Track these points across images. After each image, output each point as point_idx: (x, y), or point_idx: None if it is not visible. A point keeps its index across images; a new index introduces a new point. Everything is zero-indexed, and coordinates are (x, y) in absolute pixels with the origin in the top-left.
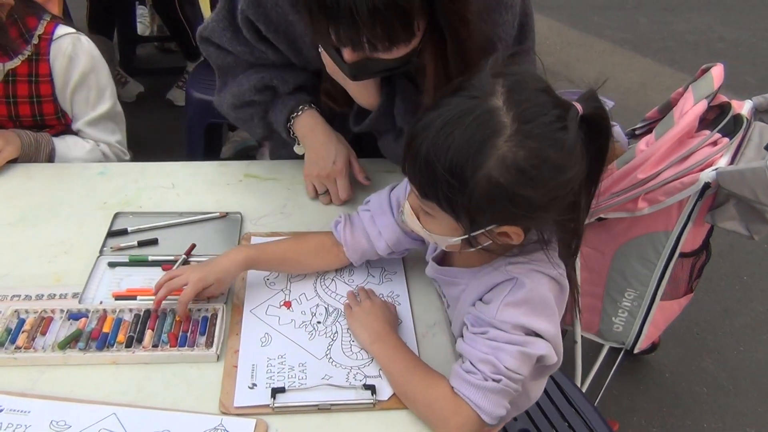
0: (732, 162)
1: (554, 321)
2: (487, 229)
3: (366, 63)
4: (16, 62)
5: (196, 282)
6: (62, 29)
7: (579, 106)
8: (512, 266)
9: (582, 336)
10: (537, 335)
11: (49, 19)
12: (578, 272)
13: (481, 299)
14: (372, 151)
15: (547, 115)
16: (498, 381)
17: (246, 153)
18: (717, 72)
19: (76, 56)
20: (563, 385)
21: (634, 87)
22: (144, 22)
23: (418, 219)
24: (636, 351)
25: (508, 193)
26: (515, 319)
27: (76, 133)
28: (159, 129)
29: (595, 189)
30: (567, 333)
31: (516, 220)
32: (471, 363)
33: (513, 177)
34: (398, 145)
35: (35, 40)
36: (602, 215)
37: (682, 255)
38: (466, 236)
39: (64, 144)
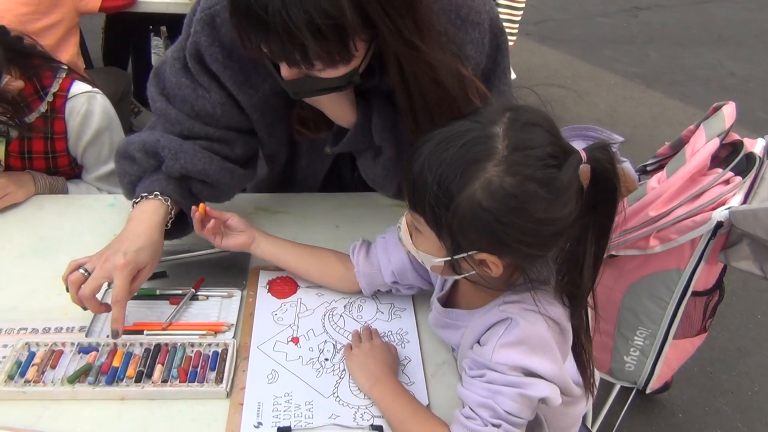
0: (745, 201)
1: (555, 361)
2: (468, 254)
3: (305, 80)
4: (31, 119)
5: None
6: (78, 87)
7: (584, 154)
8: (506, 305)
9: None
10: (537, 376)
11: (64, 75)
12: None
13: (478, 342)
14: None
15: (540, 150)
16: (498, 426)
17: None
18: (729, 111)
19: (91, 114)
20: None
21: (645, 121)
22: (158, 53)
23: (411, 237)
24: (648, 391)
25: (489, 219)
26: (512, 361)
27: None
28: None
29: (604, 242)
30: None
31: (495, 249)
32: (470, 408)
33: (496, 202)
34: (377, 164)
35: (50, 98)
36: (613, 252)
37: (695, 294)
38: (449, 258)
39: (77, 189)
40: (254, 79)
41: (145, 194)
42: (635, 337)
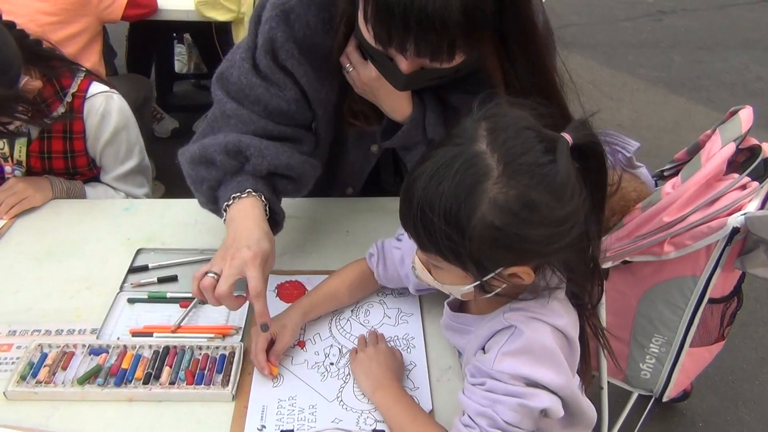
0: (763, 206)
1: (561, 371)
2: (496, 272)
3: (421, 73)
4: (51, 119)
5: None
6: (96, 87)
7: (568, 137)
8: (511, 313)
9: (610, 382)
10: (540, 386)
11: (83, 77)
12: (604, 316)
13: (482, 348)
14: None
15: (532, 151)
16: None
17: None
18: (745, 115)
19: (108, 114)
20: None
21: (668, 126)
22: (182, 60)
23: (430, 272)
24: (665, 399)
25: (507, 235)
26: (514, 370)
27: None
28: None
29: (602, 218)
30: (593, 379)
31: (523, 260)
32: (469, 416)
33: (508, 218)
34: None
35: (69, 98)
36: (628, 258)
37: (712, 301)
38: (478, 282)
39: (94, 192)
40: (323, 74)
41: (237, 194)
42: (651, 345)
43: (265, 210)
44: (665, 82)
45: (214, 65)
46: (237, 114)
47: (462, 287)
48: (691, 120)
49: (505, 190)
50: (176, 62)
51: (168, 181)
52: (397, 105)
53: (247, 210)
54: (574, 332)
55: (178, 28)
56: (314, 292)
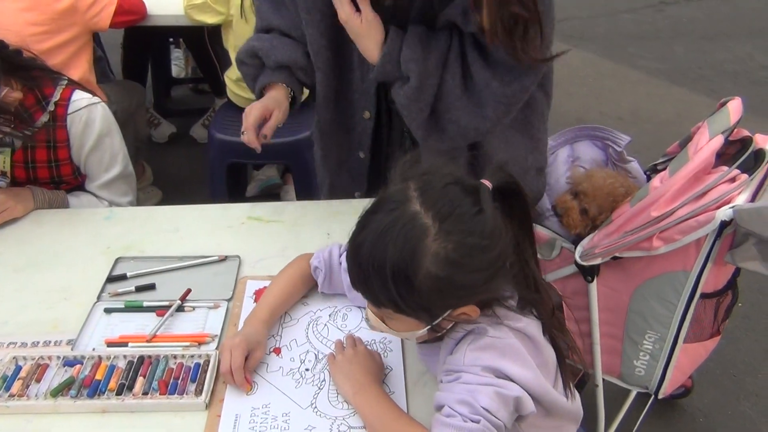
0: (753, 199)
1: (527, 367)
2: (445, 315)
3: None
4: (34, 128)
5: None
6: (78, 95)
7: (488, 183)
8: (472, 320)
9: (607, 380)
10: (509, 379)
11: (65, 85)
12: (595, 314)
13: (451, 353)
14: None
15: (462, 205)
16: (477, 422)
17: (271, 191)
18: (734, 106)
19: (92, 122)
20: None
21: (670, 118)
22: (179, 64)
23: (384, 322)
24: (661, 396)
25: (451, 283)
26: (484, 362)
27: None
28: (190, 168)
29: (533, 242)
30: (589, 377)
31: (468, 301)
32: (449, 407)
33: (450, 268)
34: (404, 92)
35: (52, 107)
36: (617, 254)
37: (704, 296)
38: (430, 326)
39: (78, 202)
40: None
41: (264, 85)
42: (644, 341)
43: (290, 92)
44: (666, 74)
45: (208, 69)
46: (259, 10)
47: (415, 332)
48: (692, 111)
49: (444, 245)
50: (174, 67)
51: (165, 187)
52: (366, 48)
53: (273, 92)
54: (536, 332)
55: (173, 33)
56: (269, 299)
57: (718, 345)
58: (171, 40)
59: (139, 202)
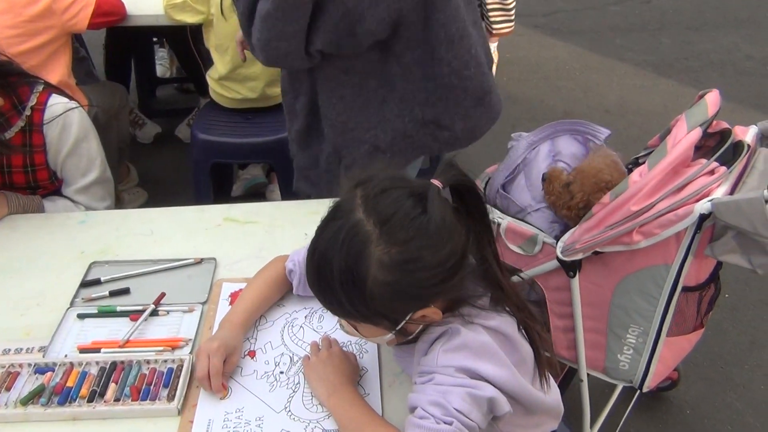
0: (732, 191)
1: (502, 365)
2: (406, 319)
3: None
4: (10, 134)
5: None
6: (55, 99)
7: (438, 182)
8: (447, 321)
9: (591, 374)
10: (483, 379)
11: (41, 89)
12: (577, 309)
13: (425, 354)
14: None
15: (402, 208)
16: (450, 423)
17: (256, 190)
18: (712, 98)
19: (69, 126)
20: None
21: (657, 110)
22: (164, 64)
23: (356, 328)
24: (645, 390)
25: (401, 287)
26: (457, 363)
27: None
28: (176, 168)
29: (491, 239)
30: (573, 371)
31: (425, 303)
32: (422, 408)
33: (397, 273)
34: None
35: (28, 112)
36: (598, 249)
37: (687, 289)
38: (395, 331)
39: (53, 207)
40: None
41: None
42: (628, 335)
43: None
44: (653, 65)
45: (192, 68)
46: None
47: (383, 337)
48: (679, 102)
49: (387, 250)
50: (158, 67)
51: (151, 188)
52: None
53: None
54: (511, 330)
55: (156, 32)
56: (245, 302)
57: (704, 337)
58: (155, 39)
59: (124, 203)
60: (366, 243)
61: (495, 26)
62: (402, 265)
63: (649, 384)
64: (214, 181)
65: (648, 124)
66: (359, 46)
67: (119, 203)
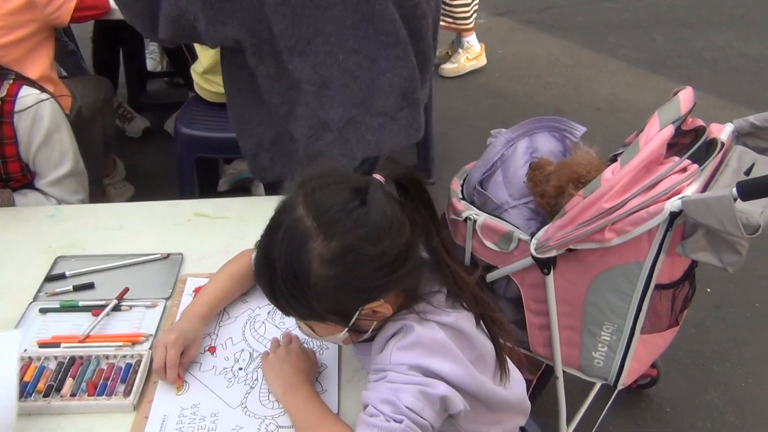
0: (705, 189)
1: (457, 362)
2: (357, 315)
3: None
4: None
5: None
6: (25, 91)
7: (380, 177)
8: (401, 317)
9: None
10: (437, 377)
11: (12, 81)
12: (552, 306)
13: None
14: None
15: (340, 201)
16: (400, 422)
17: (243, 185)
18: (685, 96)
19: (40, 117)
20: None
21: (648, 107)
22: (155, 58)
23: (311, 328)
24: (620, 387)
25: (344, 281)
26: (411, 360)
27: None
28: (164, 163)
29: (440, 233)
30: (551, 369)
31: (372, 297)
32: (373, 406)
33: (338, 267)
34: None
35: None
36: (572, 246)
37: (660, 287)
38: (347, 328)
39: (24, 200)
40: None
41: None
42: (602, 333)
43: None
44: (646, 62)
45: (180, 62)
46: None
47: (336, 335)
48: None
49: (326, 244)
50: (149, 61)
51: (138, 182)
52: None
53: None
54: (467, 326)
55: None
56: (208, 295)
57: (687, 335)
58: None
59: (110, 197)
60: (306, 239)
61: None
62: (342, 258)
63: (624, 381)
64: (201, 175)
65: (638, 121)
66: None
67: (105, 197)
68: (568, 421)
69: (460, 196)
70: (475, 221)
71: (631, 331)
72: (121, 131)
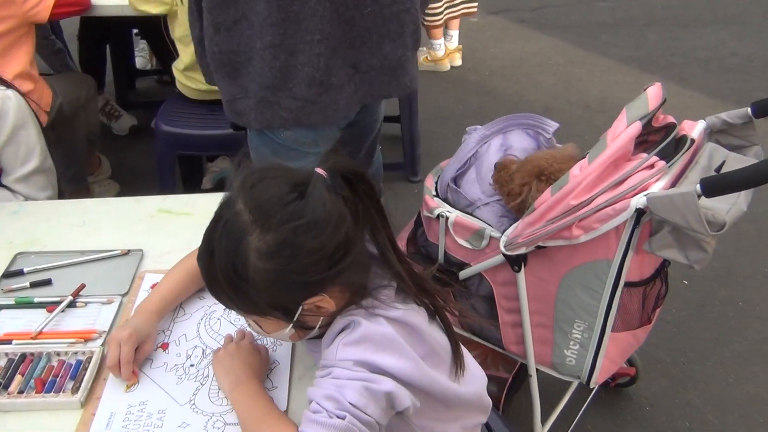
0: (674, 186)
1: (405, 357)
2: (299, 311)
3: None
4: None
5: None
6: None
7: (322, 171)
8: (350, 312)
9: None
10: (384, 373)
11: None
12: (524, 304)
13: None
14: None
15: (277, 194)
16: (343, 418)
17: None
18: (653, 92)
19: (5, 113)
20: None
21: None
22: (144, 56)
23: (259, 325)
24: (592, 385)
25: (283, 275)
26: (357, 356)
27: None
28: (151, 161)
29: (386, 227)
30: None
31: (314, 291)
32: (316, 402)
33: (276, 261)
34: None
35: None
36: (541, 243)
37: (630, 284)
38: (292, 324)
39: None
40: None
41: None
42: (573, 330)
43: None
44: (638, 61)
45: (167, 60)
46: None
47: (282, 332)
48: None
49: (263, 237)
50: (139, 58)
51: (123, 180)
52: None
53: None
54: (418, 320)
55: (133, 23)
56: (163, 291)
57: (669, 334)
58: (136, 31)
59: (95, 195)
60: (244, 233)
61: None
62: (279, 252)
63: (597, 380)
64: (184, 173)
65: None
66: None
67: (90, 195)
68: (545, 420)
69: (434, 193)
70: (447, 218)
71: (602, 329)
72: (107, 129)
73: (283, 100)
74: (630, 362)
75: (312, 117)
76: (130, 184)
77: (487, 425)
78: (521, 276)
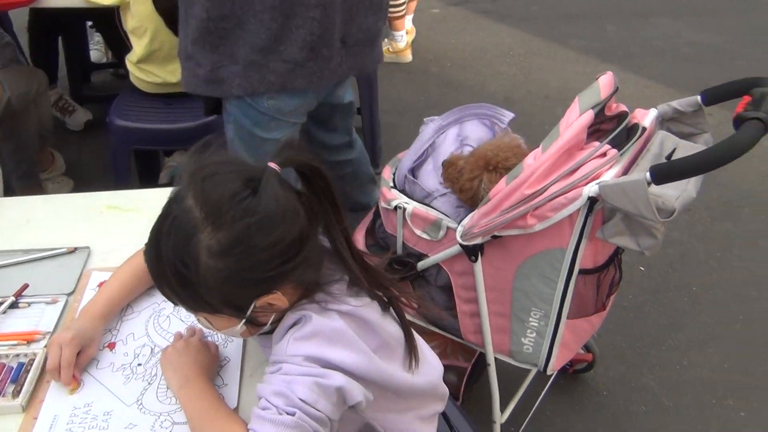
0: (626, 174)
1: (356, 350)
2: (252, 308)
3: None
4: None
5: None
6: None
7: (274, 165)
8: (301, 306)
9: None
10: (335, 368)
11: None
12: (481, 293)
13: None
14: None
15: (229, 190)
16: (292, 414)
17: None
18: (605, 81)
19: None
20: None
21: None
22: (100, 49)
23: (209, 321)
24: (549, 372)
25: (234, 273)
26: (307, 351)
27: None
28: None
29: (341, 222)
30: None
31: (266, 289)
32: (266, 399)
33: (227, 259)
34: None
35: None
36: (496, 233)
37: (584, 272)
38: (243, 321)
39: None
40: None
41: None
42: (530, 319)
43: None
44: (597, 52)
45: (122, 52)
46: None
47: (234, 328)
48: (619, 89)
49: (214, 235)
50: (94, 52)
51: (78, 176)
52: None
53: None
54: (370, 314)
55: (87, 15)
56: (109, 292)
57: (625, 319)
58: (90, 24)
59: (48, 192)
60: (194, 230)
61: None
62: (231, 250)
63: (553, 367)
64: (141, 169)
65: None
66: None
67: (43, 192)
68: (503, 408)
69: (391, 184)
70: (405, 210)
71: (557, 317)
72: (61, 124)
73: (273, 62)
74: (587, 348)
75: (298, 81)
76: (86, 180)
77: (444, 415)
78: (478, 266)
